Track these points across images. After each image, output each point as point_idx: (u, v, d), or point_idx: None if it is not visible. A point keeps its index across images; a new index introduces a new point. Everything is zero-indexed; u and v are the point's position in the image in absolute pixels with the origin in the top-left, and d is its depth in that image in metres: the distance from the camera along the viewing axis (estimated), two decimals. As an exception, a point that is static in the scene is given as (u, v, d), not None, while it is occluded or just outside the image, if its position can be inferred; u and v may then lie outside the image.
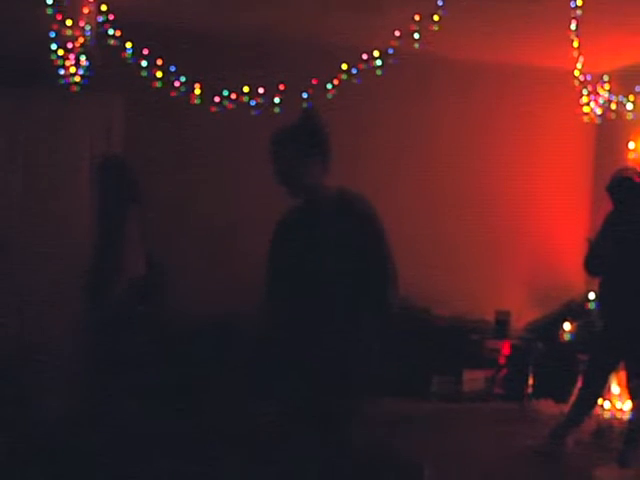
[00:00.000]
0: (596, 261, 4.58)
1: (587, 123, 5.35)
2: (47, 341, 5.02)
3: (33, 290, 5.17)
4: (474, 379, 5.70)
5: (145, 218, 4.38)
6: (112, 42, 4.55)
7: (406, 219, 5.97)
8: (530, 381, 5.69)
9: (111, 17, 4.48)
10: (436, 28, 4.59)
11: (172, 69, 4.77)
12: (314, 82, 4.95)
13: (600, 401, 5.05)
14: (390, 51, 4.81)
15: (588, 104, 5.10)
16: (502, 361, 5.80)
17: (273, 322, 3.05)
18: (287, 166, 2.94)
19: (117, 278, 4.23)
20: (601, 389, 4.69)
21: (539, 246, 6.34)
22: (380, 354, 2.96)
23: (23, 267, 5.17)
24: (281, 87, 4.95)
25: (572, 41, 4.85)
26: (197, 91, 4.86)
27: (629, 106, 5.22)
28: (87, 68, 4.49)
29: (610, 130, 5.98)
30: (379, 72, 4.87)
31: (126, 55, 4.64)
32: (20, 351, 4.97)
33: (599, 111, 5.14)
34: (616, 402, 5.47)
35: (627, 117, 5.29)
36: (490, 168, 6.25)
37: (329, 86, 4.97)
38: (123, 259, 4.25)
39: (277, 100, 4.93)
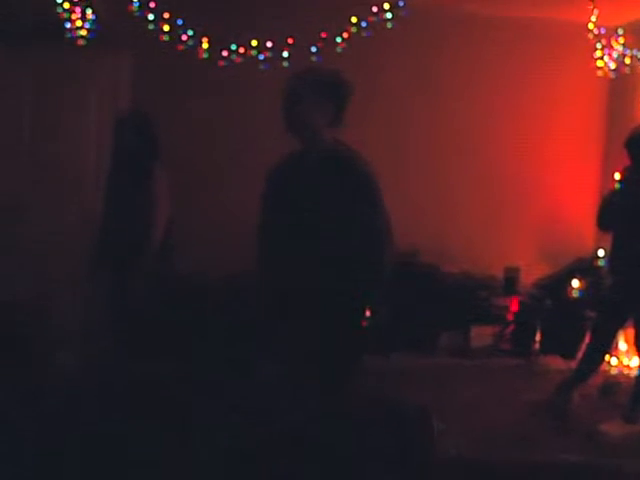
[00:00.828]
0: (609, 216, 4.54)
1: (600, 77, 5.27)
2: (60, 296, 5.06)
3: (46, 248, 5.19)
4: (482, 335, 5.72)
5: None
6: (118, -5, 4.50)
7: (415, 175, 5.95)
8: (538, 337, 5.71)
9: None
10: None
11: (179, 22, 4.70)
12: (323, 35, 4.88)
13: (607, 357, 5.07)
14: (400, 4, 4.72)
15: (602, 58, 5.01)
16: (510, 317, 5.81)
17: (266, 273, 3.04)
18: (298, 105, 2.93)
19: (150, 240, 4.15)
20: (609, 346, 4.69)
21: (549, 203, 6.30)
22: (375, 313, 2.94)
23: (35, 226, 5.19)
24: (290, 41, 4.88)
25: (587, -7, 4.76)
26: (205, 45, 4.80)
27: (643, 60, 5.13)
28: (93, 22, 4.44)
29: (624, 84, 5.89)
30: (389, 25, 4.79)
31: (132, 8, 4.57)
32: (34, 306, 5.01)
33: (613, 65, 5.05)
34: (623, 359, 5.49)
35: (641, 71, 5.21)
36: (501, 123, 6.18)
37: (338, 39, 4.90)
38: (155, 219, 4.18)
39: (285, 54, 4.87)
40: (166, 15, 4.64)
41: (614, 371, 5.44)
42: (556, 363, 5.56)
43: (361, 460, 2.68)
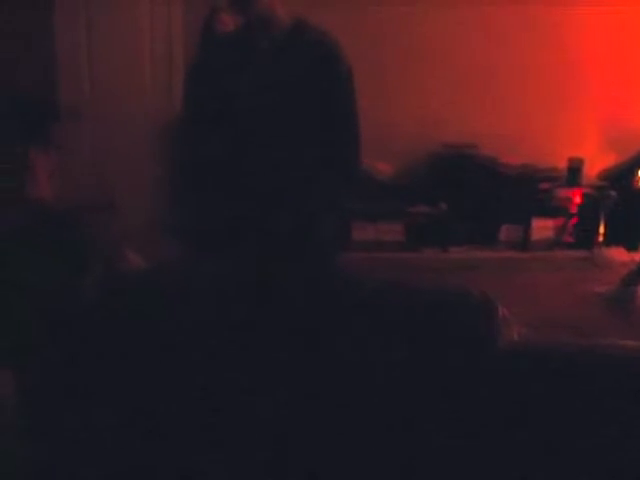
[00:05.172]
0: None
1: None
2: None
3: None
4: (543, 228, 5.65)
5: None
6: None
7: (473, 65, 5.74)
8: (601, 229, 5.62)
9: None
10: None
11: None
12: None
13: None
14: None
15: None
16: (573, 210, 5.70)
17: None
18: None
19: None
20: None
21: (615, 90, 6.02)
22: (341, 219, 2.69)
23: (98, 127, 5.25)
24: None
25: None
26: None
27: None
28: None
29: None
30: None
31: None
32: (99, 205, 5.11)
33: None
34: (690, 250, 5.37)
35: None
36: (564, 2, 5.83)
37: None
38: None
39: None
40: None
41: (680, 263, 5.33)
42: (620, 255, 5.48)
43: (426, 346, 2.70)
